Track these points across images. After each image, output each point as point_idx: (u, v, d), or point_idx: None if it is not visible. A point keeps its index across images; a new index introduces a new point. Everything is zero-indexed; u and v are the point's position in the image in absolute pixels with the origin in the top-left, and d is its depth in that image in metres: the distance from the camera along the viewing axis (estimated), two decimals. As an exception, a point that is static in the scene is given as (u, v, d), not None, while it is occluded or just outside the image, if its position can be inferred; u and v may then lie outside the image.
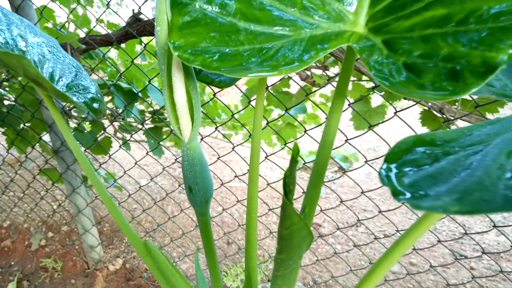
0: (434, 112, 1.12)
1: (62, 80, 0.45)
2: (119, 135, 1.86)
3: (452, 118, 1.04)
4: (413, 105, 1.06)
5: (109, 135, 1.78)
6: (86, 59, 1.67)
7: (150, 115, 1.87)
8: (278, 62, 0.34)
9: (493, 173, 0.28)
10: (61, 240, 2.02)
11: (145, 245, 0.51)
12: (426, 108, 1.13)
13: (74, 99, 0.42)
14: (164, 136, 1.85)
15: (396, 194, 0.28)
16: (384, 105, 1.23)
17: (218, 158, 1.36)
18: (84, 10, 1.58)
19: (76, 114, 1.70)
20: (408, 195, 0.28)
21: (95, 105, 0.46)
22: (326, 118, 0.43)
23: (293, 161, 0.34)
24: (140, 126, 1.86)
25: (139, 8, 1.17)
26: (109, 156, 1.65)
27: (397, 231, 1.48)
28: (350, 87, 1.49)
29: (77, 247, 1.98)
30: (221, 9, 0.36)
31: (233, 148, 1.34)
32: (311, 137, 1.22)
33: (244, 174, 1.47)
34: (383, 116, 1.24)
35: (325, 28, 0.38)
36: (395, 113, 1.02)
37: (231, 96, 4.67)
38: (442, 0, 0.34)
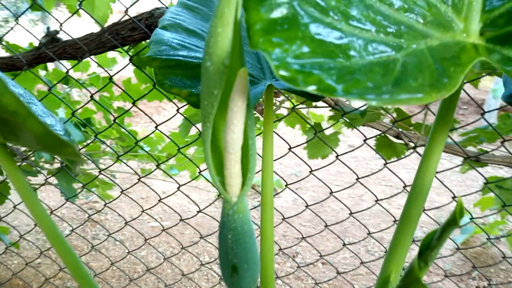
0: (390, 137, 1.10)
1: None
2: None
3: (414, 144, 1.02)
4: (379, 134, 1.02)
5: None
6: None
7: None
8: (416, 83, 0.23)
9: None
10: None
11: None
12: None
13: None
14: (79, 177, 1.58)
15: None
16: (338, 132, 1.18)
17: (159, 200, 1.18)
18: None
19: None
20: None
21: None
22: (423, 155, 0.32)
23: (452, 223, 0.23)
24: (47, 166, 1.57)
25: (61, 25, 0.97)
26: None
27: (321, 256, 1.44)
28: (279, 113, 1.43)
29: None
30: (319, 8, 0.24)
31: (178, 188, 1.17)
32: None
33: (187, 221, 1.31)
34: (337, 143, 1.19)
35: (439, 38, 0.28)
36: (364, 140, 0.97)
37: (141, 127, 4.36)
38: None
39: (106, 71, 1.09)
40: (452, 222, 0.22)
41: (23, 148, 1.48)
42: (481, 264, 2.03)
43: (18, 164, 1.37)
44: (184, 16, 0.56)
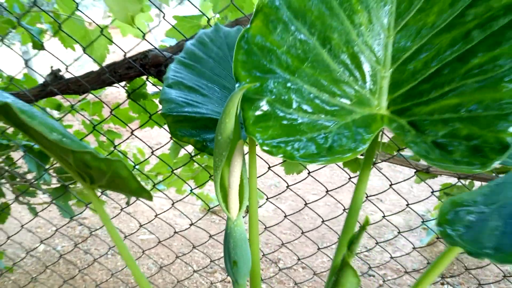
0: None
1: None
2: (19, 200, 1.65)
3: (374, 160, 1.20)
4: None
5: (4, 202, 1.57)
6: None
7: (55, 174, 1.71)
8: (343, 149, 0.40)
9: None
10: None
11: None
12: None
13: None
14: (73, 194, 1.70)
15: (471, 254, 0.35)
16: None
17: (152, 221, 1.32)
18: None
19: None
20: (475, 251, 0.36)
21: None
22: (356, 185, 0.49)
23: (362, 229, 0.39)
24: (45, 187, 1.68)
25: (67, 68, 1.11)
26: (8, 238, 1.45)
27: (299, 259, 1.61)
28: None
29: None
30: (281, 102, 0.41)
31: (173, 204, 1.32)
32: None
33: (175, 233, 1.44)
34: (310, 159, 1.36)
35: (360, 113, 0.45)
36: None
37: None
38: (454, 91, 0.43)
39: (108, 106, 1.23)
40: (362, 228, 0.39)
41: (22, 171, 1.60)
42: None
43: (18, 186, 1.49)
44: (183, 74, 0.71)
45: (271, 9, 0.44)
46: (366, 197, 1.21)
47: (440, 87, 0.44)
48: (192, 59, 0.75)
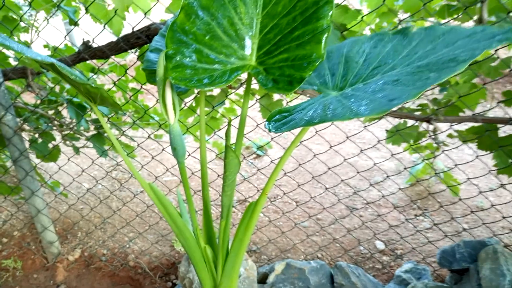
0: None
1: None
2: (66, 143, 2.14)
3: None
4: (297, 97, 1.55)
5: (55, 144, 2.05)
6: (44, 76, 1.93)
7: (92, 123, 2.17)
8: (219, 81, 0.77)
9: (303, 117, 0.73)
10: (17, 243, 2.23)
11: (150, 186, 0.91)
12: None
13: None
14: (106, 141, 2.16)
15: (270, 130, 0.73)
16: (281, 99, 1.71)
17: (152, 158, 1.75)
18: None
19: (29, 128, 1.96)
20: (275, 130, 0.73)
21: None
22: (241, 108, 0.87)
23: (228, 125, 0.78)
24: (86, 134, 2.15)
25: (93, 39, 1.52)
26: (59, 168, 1.92)
27: (284, 193, 1.99)
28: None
29: (33, 247, 2.21)
30: (188, 57, 0.79)
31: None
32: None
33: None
34: (281, 106, 1.72)
35: (237, 63, 0.82)
36: (287, 103, 1.50)
37: (152, 103, 4.97)
38: (286, 50, 0.79)
39: (121, 66, 1.64)
40: (229, 123, 0.76)
41: (68, 121, 2.07)
42: (423, 200, 2.56)
43: (65, 132, 1.95)
44: (161, 42, 1.09)
45: (189, 7, 0.81)
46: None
47: (280, 48, 0.80)
48: (169, 32, 1.12)
